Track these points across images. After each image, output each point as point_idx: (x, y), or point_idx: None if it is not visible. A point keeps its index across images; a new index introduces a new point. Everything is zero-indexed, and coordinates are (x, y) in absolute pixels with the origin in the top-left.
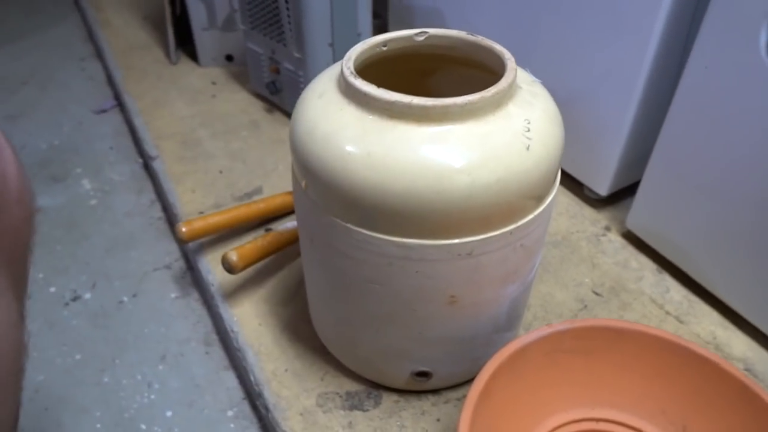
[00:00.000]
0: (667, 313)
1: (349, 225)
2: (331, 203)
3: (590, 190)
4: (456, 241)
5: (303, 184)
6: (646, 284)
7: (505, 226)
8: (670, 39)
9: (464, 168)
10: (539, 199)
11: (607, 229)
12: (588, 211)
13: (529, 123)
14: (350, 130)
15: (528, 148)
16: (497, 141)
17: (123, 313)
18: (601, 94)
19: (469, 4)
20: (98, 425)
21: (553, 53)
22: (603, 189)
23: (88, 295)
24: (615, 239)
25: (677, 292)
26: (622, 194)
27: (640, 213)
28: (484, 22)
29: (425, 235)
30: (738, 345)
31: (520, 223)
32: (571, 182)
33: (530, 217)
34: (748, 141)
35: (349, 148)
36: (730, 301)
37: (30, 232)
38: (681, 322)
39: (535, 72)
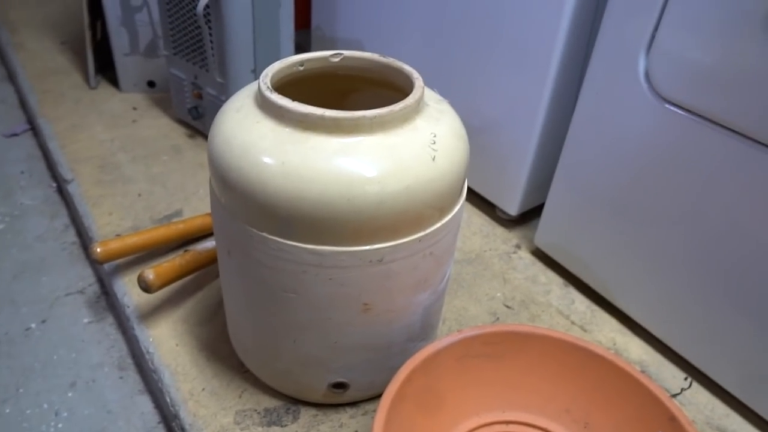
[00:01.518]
0: (573, 323)
1: (264, 234)
2: (247, 212)
3: (501, 211)
4: (367, 247)
5: (219, 195)
6: (553, 297)
7: (413, 233)
8: (567, 70)
9: (374, 177)
10: (446, 208)
11: (518, 246)
12: (500, 231)
13: (435, 136)
14: (266, 141)
15: (434, 159)
16: (405, 152)
17: (30, 340)
18: (508, 122)
19: (387, 38)
20: None
21: (466, 85)
22: (513, 209)
23: None
24: (525, 256)
25: (581, 303)
26: (532, 214)
27: (546, 231)
28: (402, 56)
29: (338, 242)
30: (635, 349)
31: (428, 230)
32: (483, 203)
33: (438, 225)
34: (636, 161)
35: (264, 158)
36: (628, 310)
37: None
38: (585, 330)
39: (451, 102)
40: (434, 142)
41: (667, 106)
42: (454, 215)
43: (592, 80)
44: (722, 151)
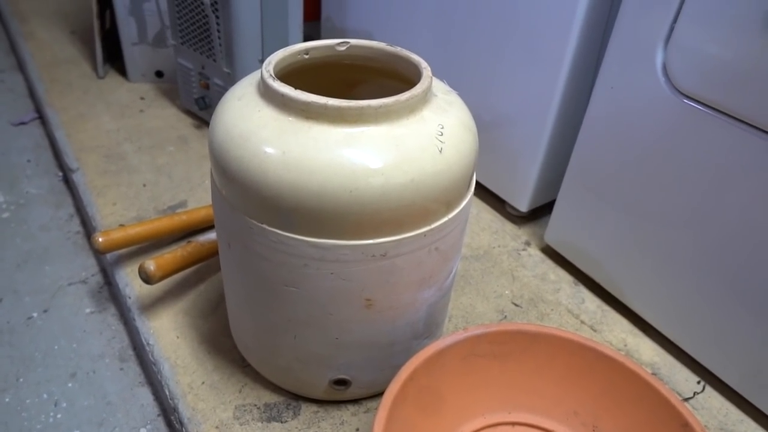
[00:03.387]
0: (582, 322)
1: (264, 226)
2: (247, 204)
3: (511, 207)
4: (370, 241)
5: (219, 185)
6: (563, 295)
7: (418, 227)
8: (581, 64)
9: (378, 168)
10: (453, 202)
11: (527, 243)
12: (509, 227)
13: (442, 128)
14: (267, 131)
15: (441, 151)
16: (411, 143)
17: (31, 330)
18: (520, 117)
19: (398, 30)
20: None
21: (476, 79)
22: (523, 206)
23: None
24: (534, 253)
25: (592, 302)
26: (542, 211)
27: (557, 228)
28: (412, 50)
29: (340, 236)
30: (646, 351)
31: (433, 225)
32: (493, 199)
33: (444, 220)
34: (651, 158)
35: (265, 147)
36: (640, 310)
37: None
38: (595, 330)
39: (462, 97)
40: (441, 134)
41: (685, 101)
42: (462, 210)
43: (606, 74)
44: (742, 149)
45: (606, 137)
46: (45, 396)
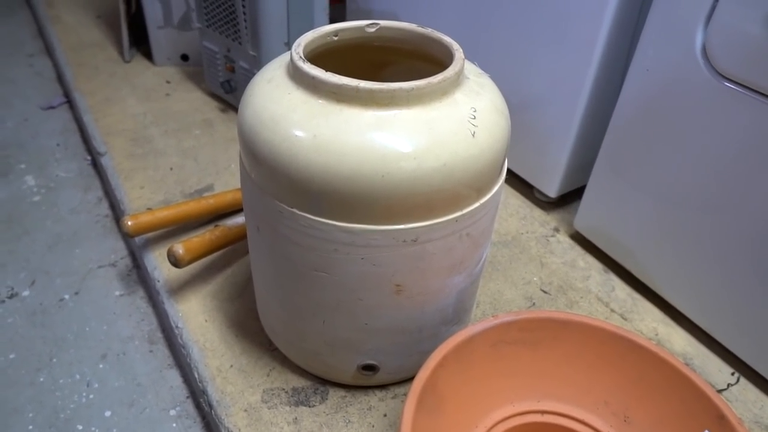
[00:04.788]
0: (612, 310)
1: (294, 210)
2: (277, 187)
3: (540, 193)
4: (401, 227)
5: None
6: (592, 283)
7: (450, 213)
8: (614, 45)
9: (410, 152)
10: (484, 187)
11: (556, 230)
12: (538, 213)
13: (475, 111)
14: (298, 114)
15: (474, 135)
16: (443, 127)
17: (63, 311)
18: (550, 100)
19: (424, 11)
20: (30, 426)
21: (505, 61)
22: (552, 191)
23: (26, 293)
24: (563, 240)
25: (622, 290)
26: (571, 197)
27: (587, 215)
28: (439, 30)
29: (371, 221)
30: (678, 340)
31: (465, 211)
32: (521, 185)
33: (475, 205)
34: (688, 143)
35: (295, 131)
36: (671, 299)
37: None
38: (625, 319)
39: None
40: (474, 117)
41: (726, 83)
42: (493, 195)
43: (642, 56)
44: None
45: (640, 121)
46: (77, 376)
